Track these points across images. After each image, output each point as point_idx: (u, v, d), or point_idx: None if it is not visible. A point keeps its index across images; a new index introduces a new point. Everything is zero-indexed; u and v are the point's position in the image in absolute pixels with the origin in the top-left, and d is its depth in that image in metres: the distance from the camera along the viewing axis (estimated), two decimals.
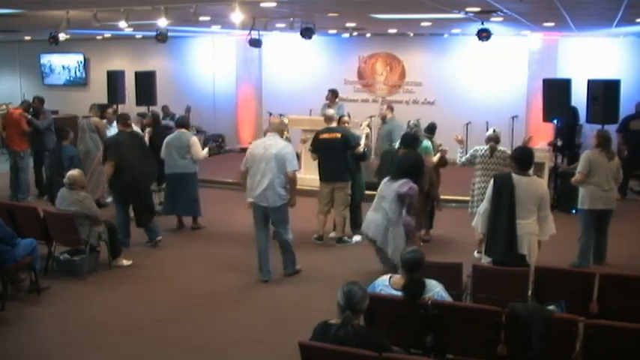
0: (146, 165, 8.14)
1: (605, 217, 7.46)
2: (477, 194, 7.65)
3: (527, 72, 13.41)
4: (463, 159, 7.88)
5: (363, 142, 8.42)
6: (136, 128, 9.59)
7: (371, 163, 9.45)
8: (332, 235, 8.60)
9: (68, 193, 7.19)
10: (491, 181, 5.92)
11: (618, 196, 10.69)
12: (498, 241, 5.67)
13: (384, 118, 9.74)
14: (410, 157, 6.67)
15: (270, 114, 15.37)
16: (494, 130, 7.90)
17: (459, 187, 9.92)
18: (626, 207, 10.26)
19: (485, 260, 5.92)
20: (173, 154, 8.83)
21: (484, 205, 5.87)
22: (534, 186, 5.72)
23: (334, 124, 8.46)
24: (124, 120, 8.35)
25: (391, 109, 9.81)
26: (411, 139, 7.29)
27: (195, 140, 8.94)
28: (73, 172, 7.31)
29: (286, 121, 11.80)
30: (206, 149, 9.24)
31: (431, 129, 8.69)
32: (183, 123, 9.26)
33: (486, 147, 7.69)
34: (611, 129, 10.13)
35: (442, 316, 4.39)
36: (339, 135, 8.14)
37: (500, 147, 7.71)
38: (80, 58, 17.74)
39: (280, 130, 7.38)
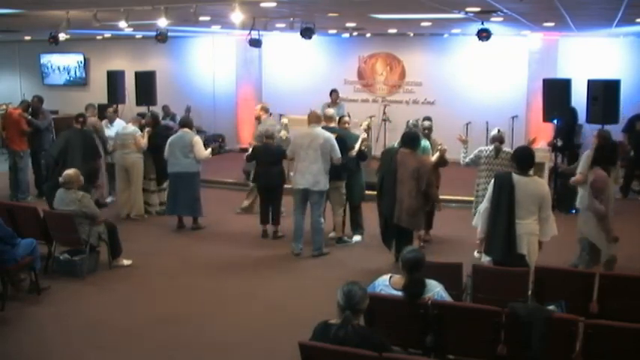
0: (81, 163, 8.31)
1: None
2: (482, 195, 7.57)
3: (527, 72, 13.41)
4: (467, 159, 7.79)
5: (359, 144, 8.36)
6: (135, 127, 9.63)
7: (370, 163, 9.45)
8: (332, 235, 8.60)
9: (65, 193, 7.19)
10: (492, 180, 5.92)
11: (619, 195, 10.73)
12: (498, 240, 5.67)
13: (258, 119, 9.77)
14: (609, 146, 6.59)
15: (270, 114, 15.37)
16: (498, 131, 7.80)
17: (459, 187, 9.93)
18: (627, 207, 10.26)
19: (485, 260, 5.92)
20: (176, 153, 8.86)
21: (484, 205, 5.87)
22: (534, 186, 5.71)
23: (333, 124, 8.46)
24: (76, 117, 8.91)
25: (265, 110, 9.83)
26: (411, 138, 7.27)
27: (197, 140, 8.94)
28: (69, 172, 7.29)
29: (286, 121, 11.81)
30: (209, 149, 9.21)
31: (428, 117, 8.73)
32: (186, 123, 9.27)
33: (491, 147, 7.63)
34: (612, 129, 10.16)
35: (442, 316, 4.39)
36: (335, 135, 8.12)
37: (504, 147, 7.66)
38: (80, 58, 17.75)
39: (319, 120, 8.09)
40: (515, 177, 5.67)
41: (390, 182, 7.06)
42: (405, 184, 6.97)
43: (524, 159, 5.79)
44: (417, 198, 6.97)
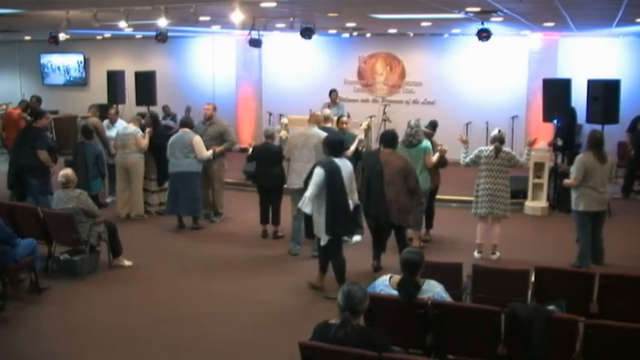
0: (24, 158, 8.80)
1: (600, 217, 7.41)
2: (482, 195, 7.61)
3: (527, 72, 13.41)
4: (467, 159, 7.78)
5: (355, 144, 8.35)
6: (135, 128, 9.63)
7: None
8: None
9: (63, 192, 7.21)
10: (317, 168, 6.53)
11: (620, 195, 10.73)
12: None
13: (210, 119, 9.42)
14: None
15: (270, 114, 15.43)
16: (499, 131, 7.80)
17: (459, 187, 9.93)
18: (627, 207, 10.26)
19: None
20: (176, 153, 8.85)
21: (313, 191, 6.47)
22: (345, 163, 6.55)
23: (330, 124, 8.45)
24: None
25: (214, 108, 9.62)
26: (390, 138, 7.28)
27: (198, 140, 8.92)
28: (67, 171, 7.32)
29: (286, 121, 11.81)
30: (210, 150, 9.16)
31: (433, 125, 8.67)
32: (186, 123, 9.26)
33: (491, 147, 7.63)
34: (613, 129, 10.17)
35: (442, 316, 4.39)
36: None
37: (505, 147, 7.66)
38: (80, 58, 17.76)
39: (318, 121, 8.09)
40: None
41: (378, 183, 7.08)
42: (393, 183, 7.00)
43: (333, 145, 6.65)
44: (407, 195, 7.02)
